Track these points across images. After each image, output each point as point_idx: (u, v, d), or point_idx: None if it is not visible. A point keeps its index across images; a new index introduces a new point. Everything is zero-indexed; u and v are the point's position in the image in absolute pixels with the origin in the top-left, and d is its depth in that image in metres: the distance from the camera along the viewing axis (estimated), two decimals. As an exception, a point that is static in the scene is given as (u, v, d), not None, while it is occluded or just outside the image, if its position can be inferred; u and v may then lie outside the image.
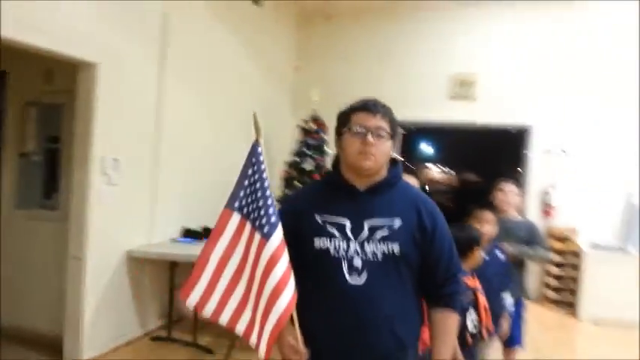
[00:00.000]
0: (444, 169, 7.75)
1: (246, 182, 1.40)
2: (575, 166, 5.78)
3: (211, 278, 1.38)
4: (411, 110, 6.35)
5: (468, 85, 6.20)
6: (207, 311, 1.40)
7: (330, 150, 5.52)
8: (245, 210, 1.39)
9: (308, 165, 5.37)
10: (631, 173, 5.60)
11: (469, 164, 7.56)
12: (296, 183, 5.34)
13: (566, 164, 5.84)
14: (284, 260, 1.32)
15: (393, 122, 1.54)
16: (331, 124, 5.27)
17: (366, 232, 1.44)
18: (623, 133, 5.66)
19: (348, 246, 1.42)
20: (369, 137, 1.45)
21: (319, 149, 5.48)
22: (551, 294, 5.59)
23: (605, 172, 5.71)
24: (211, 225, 1.50)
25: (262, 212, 1.35)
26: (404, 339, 1.48)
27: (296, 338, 1.37)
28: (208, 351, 3.73)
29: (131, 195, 3.81)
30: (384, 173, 1.53)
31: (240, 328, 1.37)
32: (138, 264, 3.90)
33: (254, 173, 1.40)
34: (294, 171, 5.41)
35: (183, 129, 4.39)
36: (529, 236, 3.04)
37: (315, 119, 5.54)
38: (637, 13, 5.48)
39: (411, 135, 6.60)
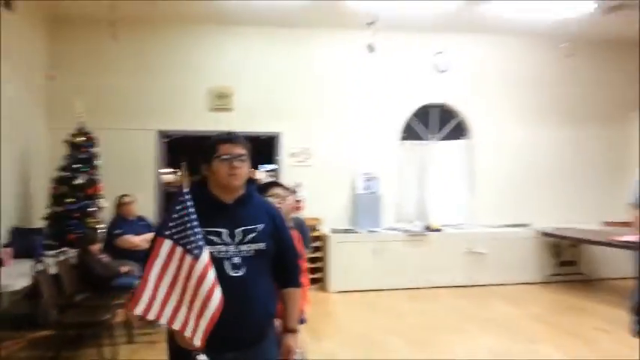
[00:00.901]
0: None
1: (176, 216, 1.78)
2: (315, 166, 7.00)
3: (152, 292, 1.74)
4: (176, 121, 6.74)
5: (226, 97, 6.87)
6: (152, 314, 1.74)
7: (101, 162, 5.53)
8: (175, 237, 1.76)
9: (80, 179, 5.27)
10: (354, 171, 7.09)
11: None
12: (68, 200, 5.19)
13: (309, 164, 7.03)
14: (211, 274, 1.76)
15: (247, 149, 2.05)
16: (100, 135, 5.33)
17: (240, 236, 1.93)
18: (348, 140, 7.10)
19: (227, 249, 1.90)
20: (235, 162, 1.95)
21: (90, 162, 5.42)
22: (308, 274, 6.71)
23: (337, 170, 7.07)
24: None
25: (191, 239, 1.75)
26: (271, 312, 2.04)
27: None
28: None
29: None
30: (243, 189, 2.04)
31: (176, 325, 1.76)
32: None
33: (182, 209, 1.78)
34: (65, 186, 5.24)
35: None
36: (300, 230, 3.85)
37: (84, 132, 5.45)
38: (351, 46, 6.94)
39: (174, 144, 6.94)
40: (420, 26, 6.87)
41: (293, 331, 2.14)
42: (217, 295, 1.74)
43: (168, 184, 7.46)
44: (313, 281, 6.60)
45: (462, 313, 5.61)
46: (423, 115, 7.41)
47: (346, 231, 6.85)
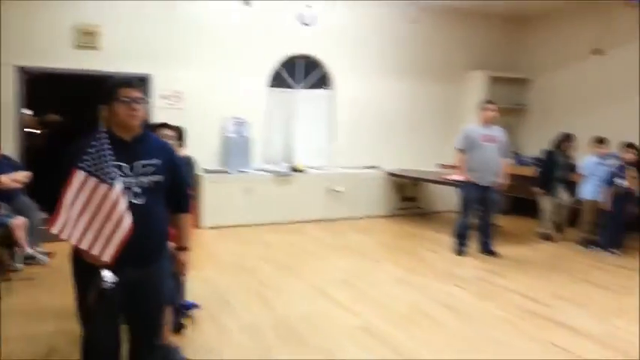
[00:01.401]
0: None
1: (92, 150, 2.09)
2: (187, 109, 7.19)
3: (66, 215, 2.07)
4: (37, 58, 6.44)
5: (92, 34, 6.69)
6: (64, 235, 2.08)
7: None
8: (89, 169, 2.08)
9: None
10: (224, 115, 7.43)
11: (92, 109, 8.01)
12: None
13: (180, 107, 7.20)
14: (123, 201, 2.13)
15: (145, 92, 2.39)
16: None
17: (138, 169, 2.27)
18: (219, 85, 7.38)
19: (129, 180, 2.22)
20: (134, 105, 2.25)
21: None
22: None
23: (208, 114, 7.35)
24: None
25: (106, 171, 2.08)
26: (166, 234, 2.45)
27: None
28: None
29: None
30: (140, 129, 2.35)
31: (84, 244, 2.11)
32: None
33: (99, 145, 2.10)
34: None
35: None
36: (188, 169, 4.23)
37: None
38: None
39: (35, 81, 6.64)
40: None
41: (185, 249, 2.60)
42: (128, 219, 2.13)
43: (27, 124, 7.12)
44: (186, 219, 6.95)
45: (322, 243, 6.44)
46: (291, 64, 7.91)
47: (217, 171, 7.25)
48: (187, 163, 4.16)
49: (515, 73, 9.14)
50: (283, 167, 7.65)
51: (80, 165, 2.10)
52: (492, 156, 5.59)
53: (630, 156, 5.99)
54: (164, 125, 3.52)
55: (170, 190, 2.40)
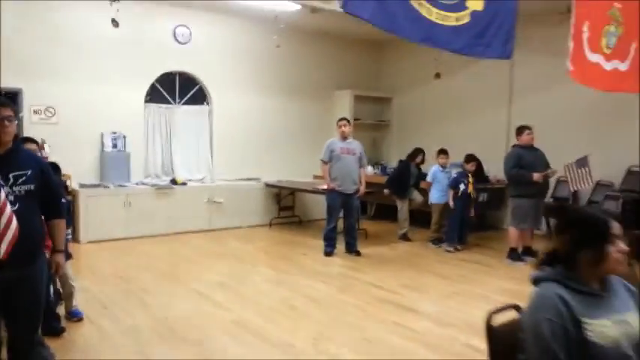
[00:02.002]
0: None
1: None
2: (61, 124, 7.18)
3: None
4: None
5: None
6: None
7: None
8: None
9: None
10: (102, 130, 7.51)
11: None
12: None
13: (54, 122, 7.17)
14: (9, 207, 2.39)
15: (14, 111, 2.65)
16: None
17: (11, 179, 2.54)
18: (96, 100, 7.45)
19: (7, 190, 2.52)
20: (5, 122, 2.54)
21: None
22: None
23: (84, 129, 7.39)
24: None
25: None
26: (41, 238, 2.71)
27: None
28: None
29: None
30: (11, 144, 2.61)
31: None
32: None
33: None
34: None
35: None
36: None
37: None
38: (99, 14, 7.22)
39: None
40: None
41: (60, 251, 2.88)
42: (15, 222, 2.43)
43: None
44: (63, 234, 6.92)
45: (202, 250, 6.79)
46: (169, 81, 8.18)
47: (95, 186, 7.29)
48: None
49: (377, 92, 10.18)
50: (164, 180, 7.87)
51: None
52: (351, 166, 6.35)
53: (470, 166, 7.07)
54: (28, 139, 3.83)
55: (42, 198, 2.69)
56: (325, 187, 6.65)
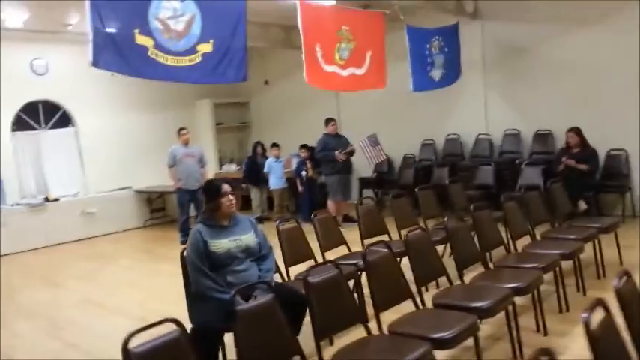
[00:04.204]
0: None
1: None
2: None
3: None
4: None
5: None
6: None
7: None
8: None
9: None
10: None
11: None
12: None
13: None
14: None
15: None
16: None
17: None
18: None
19: None
20: None
21: None
22: None
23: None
24: None
25: None
26: None
27: None
28: None
29: None
30: None
31: None
32: None
33: None
34: None
35: None
36: None
37: None
38: None
39: None
40: (16, 37, 8.42)
41: None
42: None
43: None
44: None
45: (77, 254, 7.84)
46: (33, 109, 9.06)
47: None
48: None
49: (236, 97, 11.49)
50: (38, 199, 8.77)
51: None
52: (192, 167, 7.64)
53: (303, 153, 8.53)
54: None
55: None
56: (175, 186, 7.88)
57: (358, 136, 7.91)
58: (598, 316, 1.80)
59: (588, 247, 4.32)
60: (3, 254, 7.97)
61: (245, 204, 10.19)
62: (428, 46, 7.30)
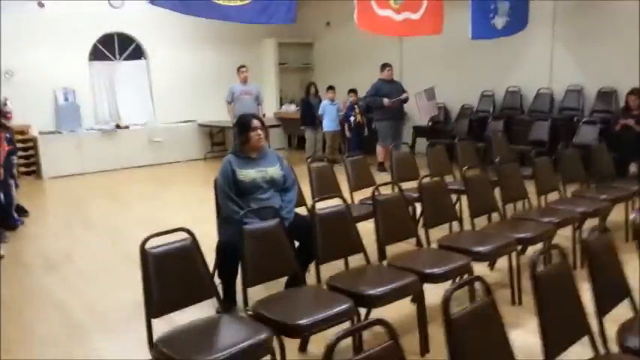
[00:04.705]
0: None
1: None
2: (19, 83, 8.72)
3: None
4: None
5: None
6: None
7: None
8: None
9: None
10: (54, 86, 9.06)
11: None
12: None
13: (13, 82, 8.72)
14: None
15: None
16: None
17: None
18: (46, 60, 8.95)
19: None
20: None
21: None
22: (22, 168, 8.67)
23: (39, 86, 8.94)
24: None
25: None
26: None
27: None
28: None
29: None
30: None
31: None
32: None
33: None
34: None
35: None
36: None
37: None
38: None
39: None
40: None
41: None
42: None
43: None
44: (29, 173, 8.65)
45: (148, 180, 8.53)
46: (108, 40, 9.65)
47: (52, 132, 8.94)
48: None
49: (300, 38, 11.59)
50: (110, 125, 9.50)
51: None
52: (249, 105, 7.99)
53: (354, 98, 8.66)
54: None
55: None
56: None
57: (418, 84, 7.92)
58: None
59: (621, 209, 4.28)
60: (76, 173, 8.82)
61: (300, 144, 10.54)
62: (492, -9, 7.07)
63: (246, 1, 4.59)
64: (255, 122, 3.48)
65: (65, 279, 4.26)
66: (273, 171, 3.50)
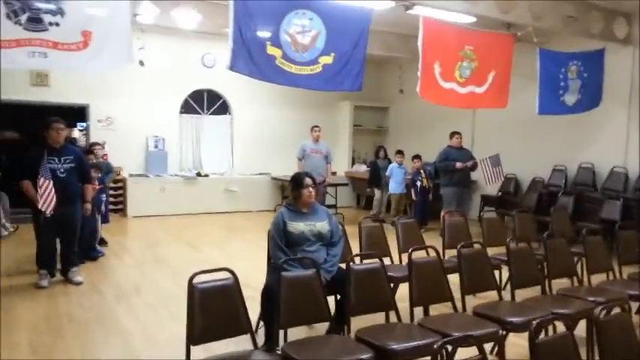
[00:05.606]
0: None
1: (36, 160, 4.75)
2: (118, 130, 9.75)
3: (42, 196, 4.71)
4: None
5: (45, 75, 9.21)
6: (40, 207, 4.73)
7: None
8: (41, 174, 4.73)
9: None
10: (146, 134, 10.02)
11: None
12: None
13: (112, 128, 9.76)
14: (51, 182, 4.76)
15: (64, 123, 5.16)
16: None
17: (63, 161, 4.97)
18: (142, 112, 9.97)
19: (57, 166, 4.91)
20: (59, 131, 5.04)
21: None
22: (111, 206, 9.53)
23: (134, 133, 9.92)
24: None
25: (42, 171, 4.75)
26: (77, 192, 5.14)
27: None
28: None
29: None
30: (63, 142, 5.06)
31: (41, 206, 4.74)
32: None
33: (37, 157, 4.76)
34: None
35: None
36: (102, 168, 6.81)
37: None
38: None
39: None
40: (191, 35, 9.96)
41: (87, 202, 5.27)
42: (52, 194, 4.74)
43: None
44: (117, 211, 9.48)
45: (220, 226, 9.08)
46: (199, 96, 10.61)
47: (140, 175, 9.82)
48: (107, 166, 6.84)
49: (376, 102, 12.07)
50: (192, 173, 10.27)
51: (39, 173, 4.71)
52: (319, 162, 8.40)
53: (418, 164, 8.87)
54: (94, 144, 6.32)
55: (80, 173, 5.10)
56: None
57: (489, 154, 8.00)
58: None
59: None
60: (157, 215, 9.54)
61: (368, 203, 10.77)
62: (563, 70, 7.16)
63: (317, 70, 5.04)
64: (308, 180, 3.80)
65: (132, 309, 4.69)
66: (321, 225, 3.77)
